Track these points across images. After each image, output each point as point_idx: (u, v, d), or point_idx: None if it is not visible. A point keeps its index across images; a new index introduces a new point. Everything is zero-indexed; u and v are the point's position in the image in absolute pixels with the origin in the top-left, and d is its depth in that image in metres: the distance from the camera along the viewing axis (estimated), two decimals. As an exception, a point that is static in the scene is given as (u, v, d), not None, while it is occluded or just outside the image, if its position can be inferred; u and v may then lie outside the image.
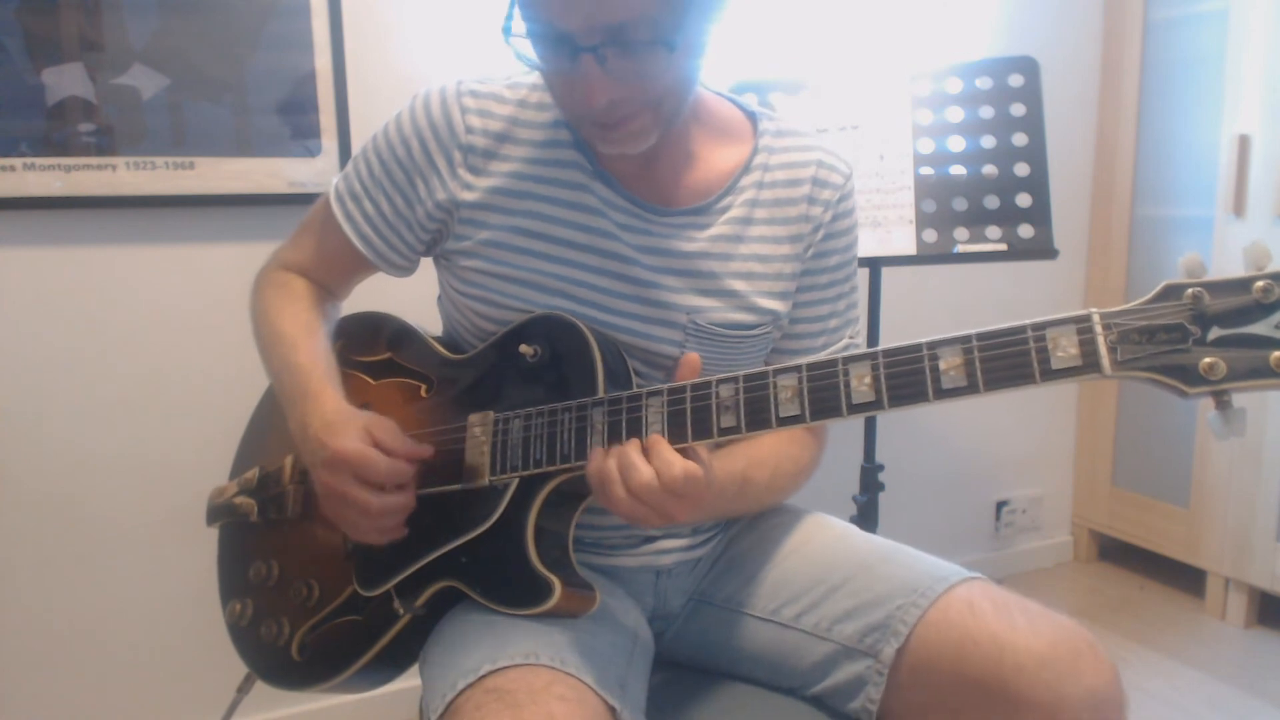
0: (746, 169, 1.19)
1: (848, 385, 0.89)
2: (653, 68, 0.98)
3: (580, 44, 0.94)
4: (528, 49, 1.00)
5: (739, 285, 1.16)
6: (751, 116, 1.23)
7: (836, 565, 1.17)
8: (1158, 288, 0.77)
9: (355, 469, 1.03)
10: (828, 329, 1.25)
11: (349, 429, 1.05)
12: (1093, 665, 0.97)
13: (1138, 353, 0.77)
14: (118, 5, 1.76)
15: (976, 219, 1.87)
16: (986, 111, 1.88)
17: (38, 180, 1.77)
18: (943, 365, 0.84)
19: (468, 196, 1.14)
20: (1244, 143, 2.44)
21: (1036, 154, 1.85)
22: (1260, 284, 0.73)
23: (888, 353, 0.88)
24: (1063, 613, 1.03)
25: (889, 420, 2.56)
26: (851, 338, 1.27)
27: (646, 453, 0.95)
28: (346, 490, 1.03)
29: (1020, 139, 1.86)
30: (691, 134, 1.16)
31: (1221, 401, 0.76)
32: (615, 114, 1.01)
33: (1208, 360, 0.75)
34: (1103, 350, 0.78)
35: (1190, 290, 0.76)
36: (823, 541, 1.23)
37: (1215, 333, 0.75)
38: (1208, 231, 2.57)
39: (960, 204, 1.88)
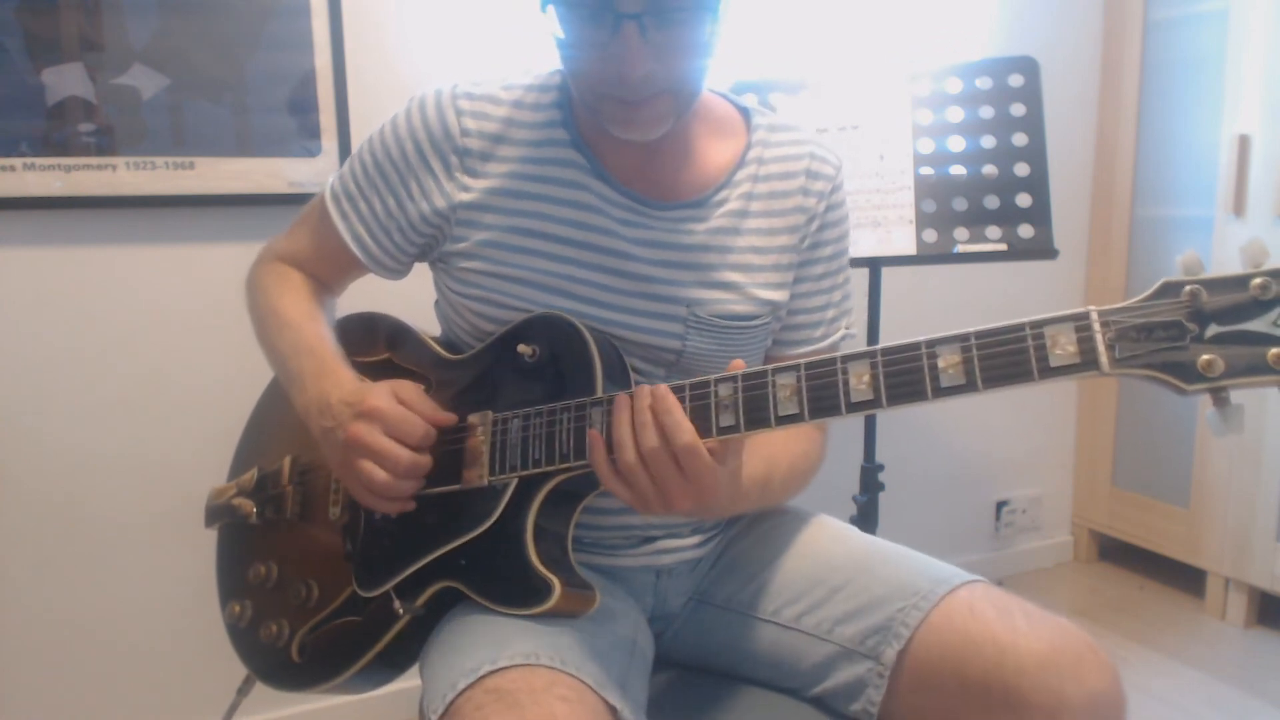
0: (741, 163, 1.20)
1: (846, 384, 0.89)
2: (688, 38, 0.99)
3: (622, 11, 0.95)
4: (556, 23, 1.01)
5: (737, 277, 1.17)
6: (744, 112, 1.24)
7: (837, 566, 1.17)
8: (1156, 285, 0.78)
9: (390, 423, 1.03)
10: (825, 319, 1.26)
11: (379, 389, 1.06)
12: (1094, 667, 0.97)
13: (1136, 350, 0.77)
14: (118, 5, 1.77)
15: (976, 219, 1.87)
16: (986, 111, 1.88)
17: (38, 180, 1.77)
18: (941, 364, 0.84)
19: (465, 198, 1.14)
20: (1244, 143, 2.44)
21: (1036, 154, 1.85)
22: (1258, 281, 0.73)
23: (886, 351, 0.87)
24: (1063, 613, 1.03)
25: (889, 420, 2.56)
26: (848, 328, 1.28)
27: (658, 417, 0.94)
28: (377, 443, 1.02)
29: (1020, 139, 1.86)
30: (688, 129, 1.17)
31: (1220, 399, 0.76)
32: (645, 90, 1.01)
33: (1206, 357, 0.75)
34: (1101, 348, 0.78)
35: (1188, 288, 0.76)
36: (823, 542, 1.23)
37: (1213, 330, 0.76)
38: (1208, 231, 2.57)
39: (960, 204, 1.88)
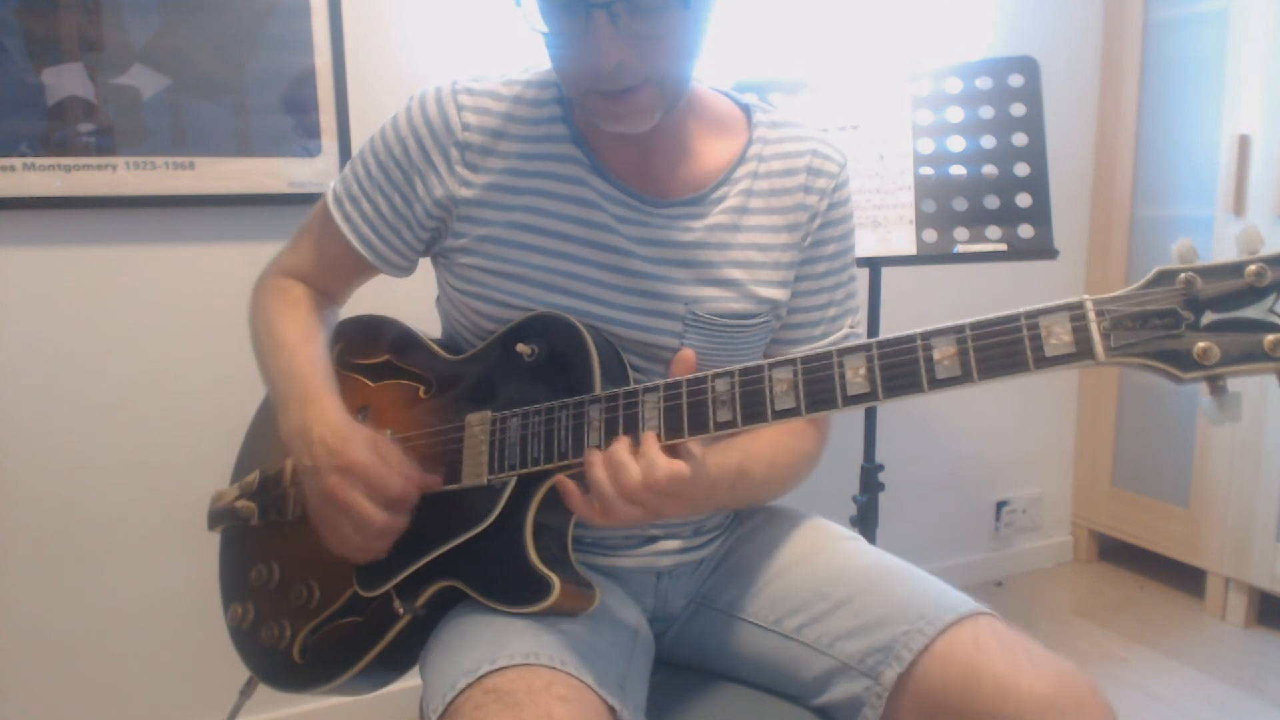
0: (741, 160, 1.19)
1: (842, 377, 0.89)
2: (664, 27, 0.98)
3: (593, 0, 0.94)
4: (536, 17, 1.00)
5: (737, 274, 1.16)
6: (745, 109, 1.23)
7: (841, 580, 1.16)
8: (1150, 273, 0.77)
9: (369, 481, 1.03)
10: (826, 318, 1.25)
11: (358, 440, 1.06)
12: (1094, 712, 0.97)
13: (1131, 339, 0.77)
14: (118, 5, 1.77)
15: (976, 219, 1.87)
16: (986, 111, 1.88)
17: (38, 180, 1.77)
18: (937, 355, 0.84)
19: (465, 193, 1.14)
20: (1244, 143, 2.44)
21: (1036, 154, 1.86)
22: (1253, 268, 0.73)
23: (882, 344, 0.87)
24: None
25: (889, 420, 2.56)
26: (852, 326, 1.27)
27: (635, 451, 0.95)
28: (353, 500, 1.03)
29: (1020, 139, 1.86)
30: (687, 126, 1.17)
31: (1216, 387, 0.76)
32: (623, 81, 1.00)
33: (1201, 345, 0.74)
34: (1096, 337, 0.78)
35: (1183, 275, 0.75)
36: (828, 553, 1.22)
37: (1209, 317, 0.75)
38: (1208, 231, 2.57)
39: (960, 204, 1.88)
